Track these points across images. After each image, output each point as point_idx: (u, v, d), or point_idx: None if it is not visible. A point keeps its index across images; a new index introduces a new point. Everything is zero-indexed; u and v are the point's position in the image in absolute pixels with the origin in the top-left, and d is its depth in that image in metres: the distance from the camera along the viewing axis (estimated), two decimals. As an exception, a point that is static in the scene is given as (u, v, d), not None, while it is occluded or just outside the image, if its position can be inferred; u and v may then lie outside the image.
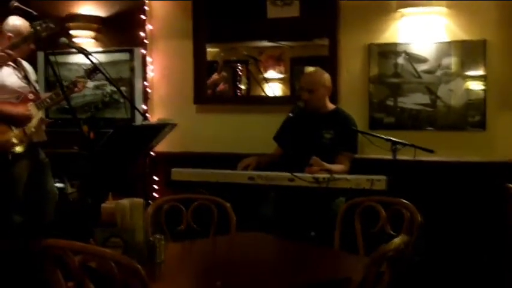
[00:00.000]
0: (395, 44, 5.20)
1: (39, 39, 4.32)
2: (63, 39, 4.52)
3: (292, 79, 7.21)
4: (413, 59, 5.15)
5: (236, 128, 5.79)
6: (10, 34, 4.76)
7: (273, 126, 5.08)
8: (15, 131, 4.71)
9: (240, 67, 7.36)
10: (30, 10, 4.11)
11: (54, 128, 5.24)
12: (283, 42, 6.86)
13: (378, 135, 4.56)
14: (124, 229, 2.88)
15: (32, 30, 4.43)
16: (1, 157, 4.68)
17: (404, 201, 3.48)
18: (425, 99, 5.14)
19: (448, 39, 5.08)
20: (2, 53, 4.45)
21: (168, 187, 5.41)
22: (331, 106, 4.88)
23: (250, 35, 6.13)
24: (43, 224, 4.97)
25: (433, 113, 5.12)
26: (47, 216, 5.02)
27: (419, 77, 5.14)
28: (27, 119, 4.75)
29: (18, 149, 4.71)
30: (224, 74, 6.82)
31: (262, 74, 7.16)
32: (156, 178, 6.00)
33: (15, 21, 4.78)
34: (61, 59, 5.83)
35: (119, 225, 2.92)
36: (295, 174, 4.23)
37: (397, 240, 2.49)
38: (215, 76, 6.64)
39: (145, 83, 6.08)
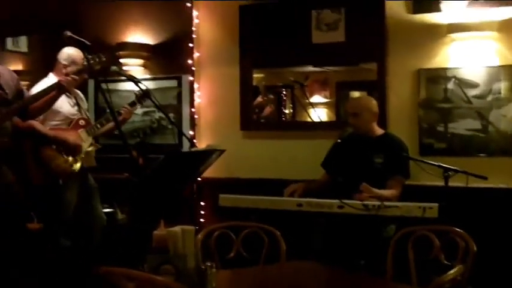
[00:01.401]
0: (445, 69, 5.16)
1: (92, 71, 4.41)
2: (114, 67, 4.60)
3: (337, 104, 7.19)
4: (463, 84, 5.10)
5: (282, 154, 5.78)
6: (65, 63, 4.89)
7: (319, 151, 5.06)
8: (66, 156, 4.80)
9: (285, 92, 7.36)
10: (83, 40, 4.17)
11: (105, 154, 5.30)
12: (328, 67, 6.85)
13: (430, 161, 4.49)
14: (176, 256, 2.89)
15: (85, 62, 4.51)
16: (52, 182, 4.76)
17: (458, 229, 3.43)
18: (476, 124, 5.08)
19: (498, 64, 5.02)
20: (69, 78, 4.54)
21: (215, 213, 5.41)
22: (379, 131, 4.83)
23: (296, 60, 6.13)
24: (90, 249, 5.02)
25: (485, 138, 5.05)
26: (94, 241, 5.07)
27: (470, 102, 5.09)
28: (78, 147, 4.84)
29: (70, 172, 4.78)
30: (271, 96, 6.84)
31: (307, 98, 7.15)
32: (203, 204, 6.00)
33: (70, 51, 4.92)
34: (111, 86, 5.86)
35: (171, 252, 2.93)
36: (345, 201, 4.17)
37: (453, 272, 2.45)
38: (259, 99, 6.66)
39: (192, 109, 6.12)
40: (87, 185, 5.06)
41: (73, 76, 4.58)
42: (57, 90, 4.53)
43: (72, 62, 4.87)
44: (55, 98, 4.59)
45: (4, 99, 4.14)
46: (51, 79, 4.82)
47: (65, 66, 4.88)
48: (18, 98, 4.26)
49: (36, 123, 4.71)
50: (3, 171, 4.20)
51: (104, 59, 4.60)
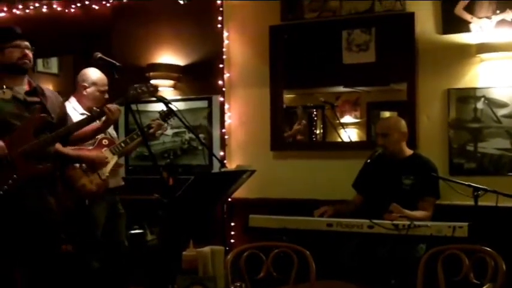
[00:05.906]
0: (474, 89, 5.15)
1: (139, 100, 4.33)
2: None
3: (368, 124, 7.17)
4: (492, 103, 5.08)
5: (313, 174, 5.77)
6: (85, 84, 4.92)
7: (349, 171, 5.07)
8: (91, 176, 4.78)
9: (315, 113, 7.37)
10: (114, 61, 4.16)
11: (135, 175, 5.32)
12: (359, 88, 6.86)
13: (459, 181, 4.49)
14: (206, 277, 2.91)
15: (132, 91, 4.41)
16: (78, 202, 4.78)
17: (488, 249, 3.42)
18: (506, 144, 5.06)
19: (527, 84, 5.00)
20: (112, 108, 4.33)
21: (245, 233, 5.41)
22: (409, 151, 4.85)
23: (326, 81, 6.16)
24: (119, 270, 5.03)
25: (515, 158, 5.03)
26: (118, 264, 5.07)
27: (499, 121, 5.07)
28: (102, 162, 4.81)
29: (95, 192, 4.79)
30: (304, 122, 6.84)
31: (338, 119, 7.15)
32: (233, 224, 6.02)
33: (90, 72, 4.94)
34: (141, 107, 5.84)
35: (201, 273, 2.94)
36: (374, 221, 4.19)
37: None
38: (296, 127, 6.66)
39: (223, 129, 6.14)
40: (115, 209, 5.04)
41: (114, 105, 4.36)
42: (103, 123, 4.45)
43: (92, 83, 4.90)
44: (100, 131, 4.58)
45: (49, 123, 4.10)
46: (72, 102, 4.85)
47: (85, 87, 4.90)
48: (62, 122, 4.20)
49: (57, 145, 4.71)
50: (44, 195, 4.21)
51: (152, 88, 4.53)
